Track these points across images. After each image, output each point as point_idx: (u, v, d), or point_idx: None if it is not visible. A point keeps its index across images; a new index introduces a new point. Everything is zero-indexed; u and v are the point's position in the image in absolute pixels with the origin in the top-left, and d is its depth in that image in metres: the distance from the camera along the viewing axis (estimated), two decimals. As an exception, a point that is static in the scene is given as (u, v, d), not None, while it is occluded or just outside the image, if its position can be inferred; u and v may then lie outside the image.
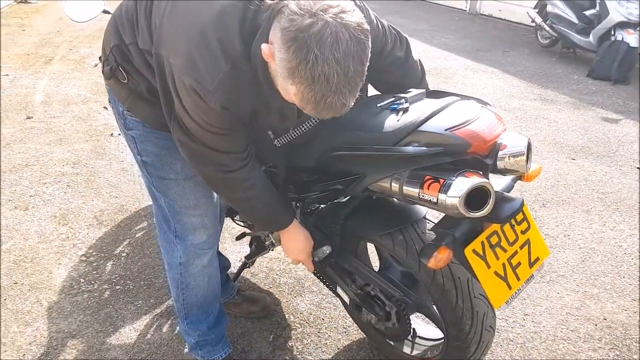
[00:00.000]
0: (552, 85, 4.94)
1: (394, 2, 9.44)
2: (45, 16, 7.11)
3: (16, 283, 2.06)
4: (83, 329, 1.84)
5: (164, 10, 1.10)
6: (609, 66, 4.97)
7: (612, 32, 5.00)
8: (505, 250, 1.21)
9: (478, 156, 1.13)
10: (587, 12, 5.34)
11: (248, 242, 1.95)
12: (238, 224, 1.93)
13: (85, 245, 2.31)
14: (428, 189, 1.11)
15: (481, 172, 1.13)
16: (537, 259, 1.27)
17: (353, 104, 0.99)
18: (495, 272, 1.19)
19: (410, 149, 1.14)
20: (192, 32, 1.04)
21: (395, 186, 1.20)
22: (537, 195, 2.89)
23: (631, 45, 4.87)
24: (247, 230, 1.92)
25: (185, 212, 1.39)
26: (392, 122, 1.21)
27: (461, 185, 1.05)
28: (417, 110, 1.20)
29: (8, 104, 3.90)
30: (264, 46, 0.97)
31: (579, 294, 2.11)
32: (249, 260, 1.89)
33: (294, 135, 1.40)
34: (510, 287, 1.20)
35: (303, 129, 1.39)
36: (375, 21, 1.27)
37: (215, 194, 1.45)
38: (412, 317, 1.55)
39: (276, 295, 2.03)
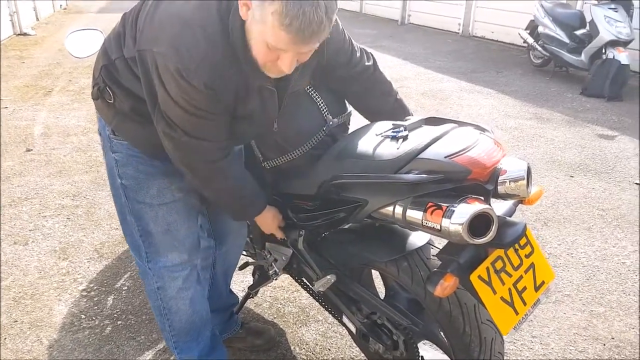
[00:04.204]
0: (546, 103, 5.00)
1: (388, 27, 9.62)
2: (44, 48, 7.21)
3: (16, 321, 2.03)
4: (85, 366, 1.81)
5: (146, 13, 1.19)
6: (602, 84, 5.03)
7: (603, 51, 5.08)
8: (510, 275, 1.21)
9: (479, 182, 1.14)
10: (578, 32, 5.44)
11: (251, 272, 1.93)
12: (242, 254, 1.92)
13: (85, 279, 2.29)
14: (431, 215, 1.11)
15: (482, 198, 1.13)
16: (543, 283, 1.26)
17: (329, 32, 1.07)
18: (502, 298, 1.18)
19: (411, 176, 1.14)
20: (175, 22, 1.13)
21: (398, 213, 1.20)
22: (538, 214, 2.89)
23: (622, 62, 4.93)
24: (250, 260, 1.91)
25: (156, 235, 1.43)
26: (392, 149, 1.22)
27: (464, 211, 1.06)
28: (417, 138, 1.21)
29: (8, 137, 3.92)
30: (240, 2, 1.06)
31: (586, 313, 2.09)
32: (252, 291, 1.87)
33: (283, 160, 1.43)
34: (517, 313, 1.19)
35: (292, 156, 1.41)
36: (342, 32, 1.38)
37: (190, 220, 1.47)
38: (420, 344, 1.53)
39: (281, 326, 2.01)
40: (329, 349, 1.88)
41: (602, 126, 4.38)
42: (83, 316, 2.07)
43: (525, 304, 1.21)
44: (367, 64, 1.45)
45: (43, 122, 4.28)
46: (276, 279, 1.77)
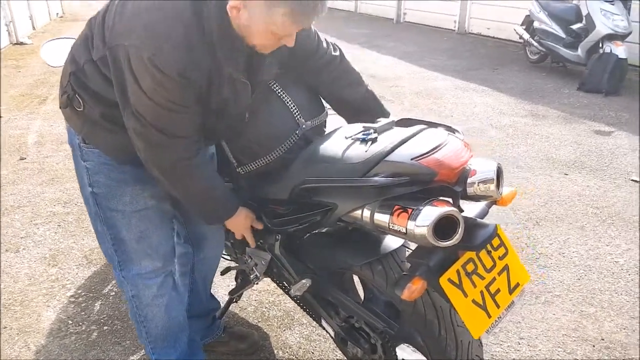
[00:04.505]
0: (542, 100, 4.96)
1: (383, 26, 9.61)
2: (40, 57, 7.23)
3: (5, 327, 2.04)
4: (69, 374, 1.81)
5: (114, 11, 1.17)
6: (599, 78, 4.99)
7: (600, 45, 5.04)
8: (482, 278, 1.19)
9: (446, 184, 1.12)
10: (574, 27, 5.40)
11: (234, 277, 1.93)
12: (225, 258, 1.91)
13: (74, 285, 2.29)
14: (397, 218, 1.10)
15: (451, 200, 1.12)
16: (517, 285, 1.24)
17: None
18: (473, 301, 1.16)
19: (377, 179, 1.13)
20: (147, 11, 1.13)
21: (366, 217, 1.19)
22: (531, 213, 2.86)
23: (620, 56, 4.89)
24: (233, 264, 1.90)
25: (128, 243, 1.42)
26: (360, 152, 1.21)
27: (429, 214, 1.04)
28: (385, 140, 1.20)
29: (2, 146, 3.93)
30: (231, 2, 1.08)
31: (576, 314, 2.06)
32: (233, 295, 1.86)
33: (256, 165, 1.42)
34: (489, 316, 1.17)
35: (265, 160, 1.40)
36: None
37: (163, 227, 1.46)
38: (399, 348, 1.52)
39: (265, 330, 2.00)
40: (313, 352, 1.87)
41: (598, 122, 4.35)
42: (70, 322, 2.07)
43: (498, 306, 1.20)
44: (334, 54, 1.48)
45: (37, 130, 4.30)
46: (257, 283, 1.76)
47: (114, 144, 1.32)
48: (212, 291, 1.92)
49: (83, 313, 2.12)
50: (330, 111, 1.58)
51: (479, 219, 1.20)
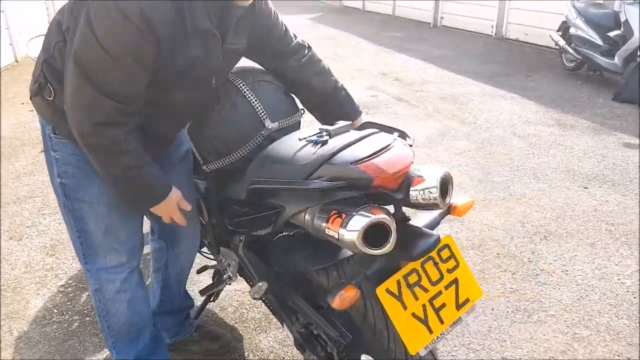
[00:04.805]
0: (573, 110, 4.73)
1: (418, 30, 9.45)
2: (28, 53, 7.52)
3: (-7, 312, 2.12)
4: (44, 361, 1.85)
5: None
6: (636, 89, 4.71)
7: (638, 53, 4.75)
8: (426, 290, 1.13)
9: (386, 190, 1.07)
10: (611, 34, 5.12)
11: (211, 276, 1.92)
12: (207, 257, 1.91)
13: (66, 275, 2.35)
14: (332, 223, 1.06)
15: (391, 208, 1.06)
16: (467, 301, 1.17)
17: None
18: (414, 314, 1.10)
19: (315, 182, 1.10)
20: None
21: (308, 220, 1.15)
22: (540, 227, 2.72)
23: (659, 66, 4.60)
24: (210, 263, 1.90)
25: (94, 236, 1.41)
26: (307, 155, 1.17)
27: (359, 221, 0.99)
28: (333, 143, 1.16)
29: (28, 138, 4.11)
30: None
31: (568, 336, 1.93)
32: (203, 294, 1.85)
33: (221, 164, 1.40)
34: (431, 331, 1.11)
35: (229, 159, 1.38)
36: (275, 14, 1.44)
37: (131, 221, 1.45)
38: (361, 358, 1.46)
39: (241, 331, 1.98)
40: (283, 357, 1.84)
41: (629, 134, 4.09)
42: (55, 310, 2.12)
43: (442, 322, 1.13)
44: (302, 43, 1.51)
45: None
46: (229, 284, 1.75)
47: None
48: (190, 290, 1.92)
49: (69, 303, 2.17)
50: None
51: (425, 229, 1.14)
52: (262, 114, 1.39)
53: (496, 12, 8.19)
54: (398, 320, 1.08)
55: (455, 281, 1.16)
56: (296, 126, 1.51)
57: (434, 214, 1.21)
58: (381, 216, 0.99)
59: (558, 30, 5.88)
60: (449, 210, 1.20)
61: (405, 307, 1.09)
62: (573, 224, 2.76)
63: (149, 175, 1.28)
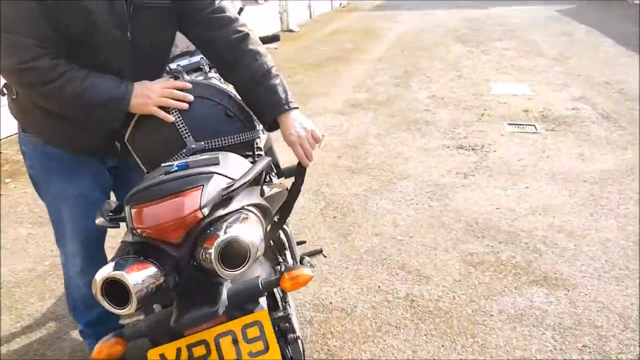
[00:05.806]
0: None
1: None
2: (294, 43, 8.06)
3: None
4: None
5: None
6: None
7: None
8: (213, 369, 0.94)
9: (163, 244, 0.93)
10: None
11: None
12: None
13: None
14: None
15: (159, 264, 0.92)
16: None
17: None
18: (188, 392, 0.94)
19: (99, 220, 1.10)
20: None
21: None
22: None
23: None
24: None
25: (58, 224, 1.54)
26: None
27: (102, 272, 0.90)
28: (160, 177, 1.05)
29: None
30: None
31: None
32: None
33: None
34: None
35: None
36: None
37: (90, 216, 1.39)
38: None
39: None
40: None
41: None
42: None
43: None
44: (232, 17, 1.37)
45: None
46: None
47: (47, 126, 1.40)
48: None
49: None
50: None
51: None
52: (185, 132, 1.31)
53: None
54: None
55: (257, 368, 0.94)
56: (244, 146, 1.38)
57: (257, 279, 0.98)
58: (117, 272, 0.87)
59: None
60: (278, 281, 0.97)
61: (177, 384, 0.94)
62: None
63: (99, 85, 1.25)
